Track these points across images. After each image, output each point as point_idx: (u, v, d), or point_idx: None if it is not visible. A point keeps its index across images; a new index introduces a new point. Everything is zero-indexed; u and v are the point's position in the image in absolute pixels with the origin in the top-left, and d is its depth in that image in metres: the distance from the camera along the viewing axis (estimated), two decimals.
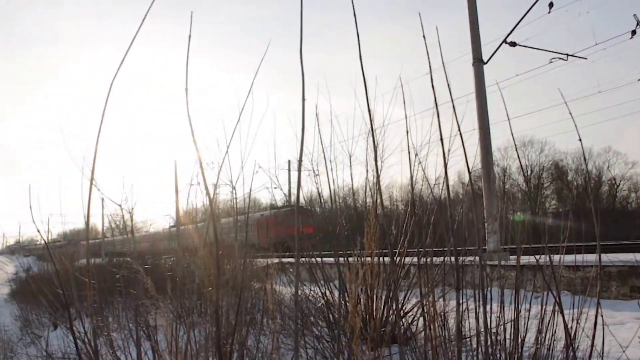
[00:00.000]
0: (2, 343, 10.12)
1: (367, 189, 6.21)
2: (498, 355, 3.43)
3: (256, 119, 3.32)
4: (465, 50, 15.92)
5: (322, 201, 6.36)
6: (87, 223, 3.09)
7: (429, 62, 3.16)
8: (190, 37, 2.43)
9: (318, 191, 6.36)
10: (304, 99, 2.45)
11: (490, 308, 3.25)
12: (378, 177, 3.62)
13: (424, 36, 3.18)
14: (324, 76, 5.49)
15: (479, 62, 14.02)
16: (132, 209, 4.06)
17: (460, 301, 3.32)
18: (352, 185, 6.38)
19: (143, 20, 2.37)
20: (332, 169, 6.06)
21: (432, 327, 3.22)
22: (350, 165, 6.14)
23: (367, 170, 6.21)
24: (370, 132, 5.61)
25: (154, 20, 2.41)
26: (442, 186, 4.62)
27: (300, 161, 2.66)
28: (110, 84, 2.49)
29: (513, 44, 14.50)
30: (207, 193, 3.09)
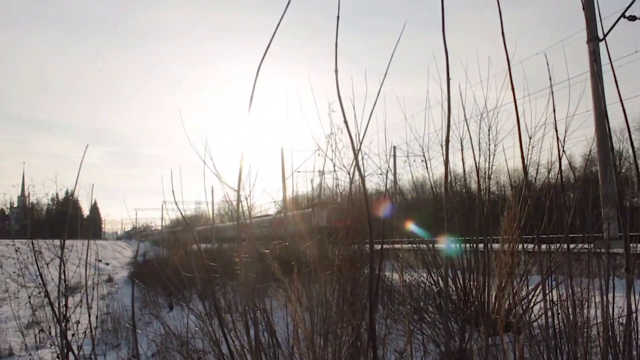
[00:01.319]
0: (125, 321, 10.92)
1: (482, 173, 6.06)
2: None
3: (369, 104, 3.32)
4: (580, 27, 14.99)
5: (433, 186, 6.30)
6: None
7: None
8: (338, 17, 2.45)
9: (429, 176, 6.30)
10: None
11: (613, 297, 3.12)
12: (524, 160, 3.48)
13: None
14: (435, 59, 5.42)
15: (594, 40, 13.16)
16: (249, 194, 4.22)
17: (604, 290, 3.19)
18: (464, 169, 6.25)
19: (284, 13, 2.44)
20: (443, 154, 6.01)
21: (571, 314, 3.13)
22: (462, 149, 6.02)
23: (479, 154, 6.08)
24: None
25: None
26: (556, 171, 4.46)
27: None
28: (256, 71, 2.57)
29: (633, 18, 13.47)
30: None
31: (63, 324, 3.79)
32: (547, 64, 3.37)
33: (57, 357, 4.02)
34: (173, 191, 3.87)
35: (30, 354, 7.76)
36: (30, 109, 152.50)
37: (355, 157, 2.80)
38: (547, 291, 3.32)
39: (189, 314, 5.40)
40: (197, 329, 5.28)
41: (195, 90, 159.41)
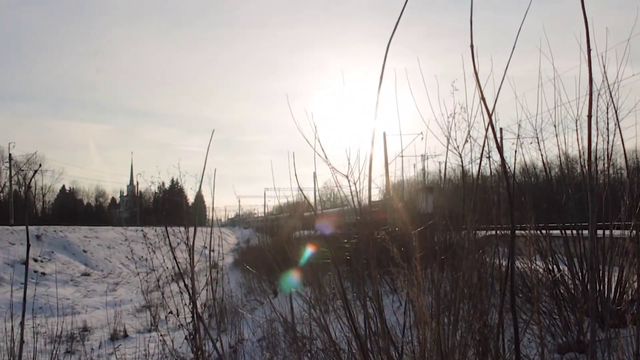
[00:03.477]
0: (230, 307, 11.35)
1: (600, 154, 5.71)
2: None
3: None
4: None
5: (546, 169, 6.02)
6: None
7: None
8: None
9: (543, 159, 6.02)
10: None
11: None
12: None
13: None
14: (545, 33, 5.15)
15: None
16: (357, 179, 4.22)
17: None
18: (580, 151, 5.91)
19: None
20: (558, 134, 5.72)
21: None
22: (577, 129, 5.69)
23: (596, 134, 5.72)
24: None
25: None
26: None
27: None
28: (385, 51, 2.57)
29: None
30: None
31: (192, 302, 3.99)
32: None
33: (185, 334, 4.30)
34: (295, 174, 4.03)
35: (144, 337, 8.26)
36: (135, 100, 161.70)
37: (494, 133, 2.69)
38: None
39: (291, 300, 5.51)
40: (304, 313, 5.38)
41: (291, 76, 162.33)
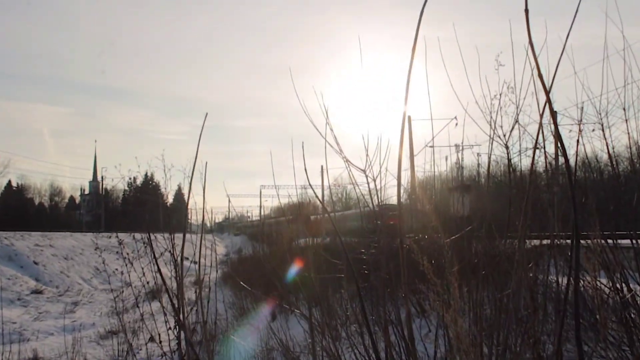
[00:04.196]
0: (219, 332, 11.37)
1: None
2: None
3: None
4: None
5: (614, 163, 6.00)
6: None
7: None
8: None
9: (608, 151, 6.00)
10: None
11: None
12: None
13: None
14: None
15: None
16: (377, 175, 4.24)
17: None
18: None
19: None
20: (627, 119, 5.69)
21: None
22: None
23: None
24: None
25: None
26: None
27: None
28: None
29: None
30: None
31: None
32: None
33: None
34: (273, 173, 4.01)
35: None
36: (101, 76, 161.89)
37: (553, 117, 2.69)
38: None
39: (296, 320, 5.54)
40: (309, 341, 5.41)
41: (295, 47, 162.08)
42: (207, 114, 4.75)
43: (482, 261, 4.26)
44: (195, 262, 6.11)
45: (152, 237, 5.28)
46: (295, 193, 8.79)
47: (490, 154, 4.90)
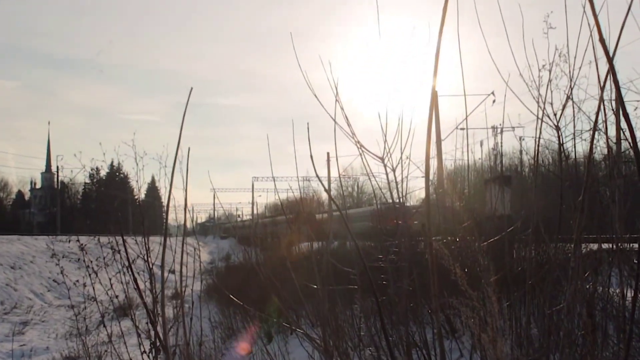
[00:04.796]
0: (204, 356, 11.38)
1: None
2: None
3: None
4: None
5: None
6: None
7: None
8: None
9: None
10: None
11: None
12: None
13: None
14: None
15: None
16: (398, 163, 4.23)
17: None
18: None
19: None
20: None
21: None
22: None
23: None
24: None
25: None
26: None
27: None
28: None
29: None
30: None
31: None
32: None
33: None
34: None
35: None
36: (56, 44, 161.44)
37: (617, 90, 2.67)
38: None
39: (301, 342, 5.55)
40: None
41: (296, 7, 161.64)
42: (192, 88, 4.73)
43: (526, 269, 4.23)
44: (172, 272, 6.11)
45: (121, 240, 5.27)
46: (298, 186, 8.75)
47: (538, 138, 4.83)
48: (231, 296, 11.98)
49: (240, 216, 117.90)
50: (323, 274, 5.08)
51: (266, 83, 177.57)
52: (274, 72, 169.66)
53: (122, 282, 4.73)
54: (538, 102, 4.62)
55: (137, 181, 6.53)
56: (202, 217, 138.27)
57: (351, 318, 7.48)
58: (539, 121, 4.62)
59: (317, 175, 4.22)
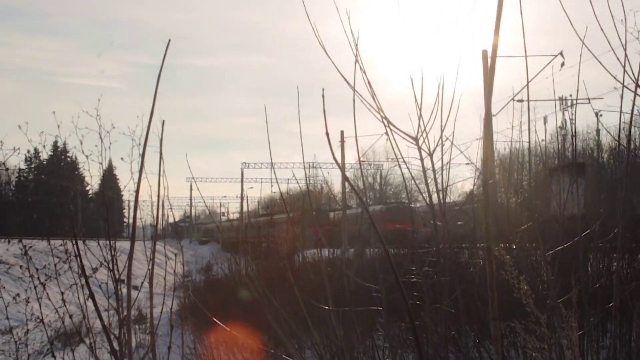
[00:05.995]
0: None
1: None
2: None
3: None
4: None
5: None
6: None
7: None
8: None
9: None
10: None
11: None
12: None
13: None
14: None
15: None
16: (436, 146, 4.24)
17: None
18: None
19: None
20: None
21: None
22: None
23: None
24: None
25: None
26: None
27: None
28: None
29: None
30: None
31: None
32: None
33: None
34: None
35: None
36: None
37: None
38: None
39: None
40: None
41: None
42: (169, 40, 4.72)
43: (609, 287, 4.21)
44: (135, 287, 6.12)
45: (73, 245, 5.28)
46: (304, 174, 8.75)
47: (630, 113, 4.76)
48: (214, 319, 12.00)
49: (226, 214, 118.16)
50: (336, 291, 5.07)
51: (258, 39, 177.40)
52: (267, 24, 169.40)
53: (78, 298, 4.73)
54: (624, 67, 4.54)
55: (100, 163, 6.51)
56: (175, 215, 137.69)
57: (372, 349, 7.46)
58: (632, 93, 4.47)
59: (334, 156, 4.07)
